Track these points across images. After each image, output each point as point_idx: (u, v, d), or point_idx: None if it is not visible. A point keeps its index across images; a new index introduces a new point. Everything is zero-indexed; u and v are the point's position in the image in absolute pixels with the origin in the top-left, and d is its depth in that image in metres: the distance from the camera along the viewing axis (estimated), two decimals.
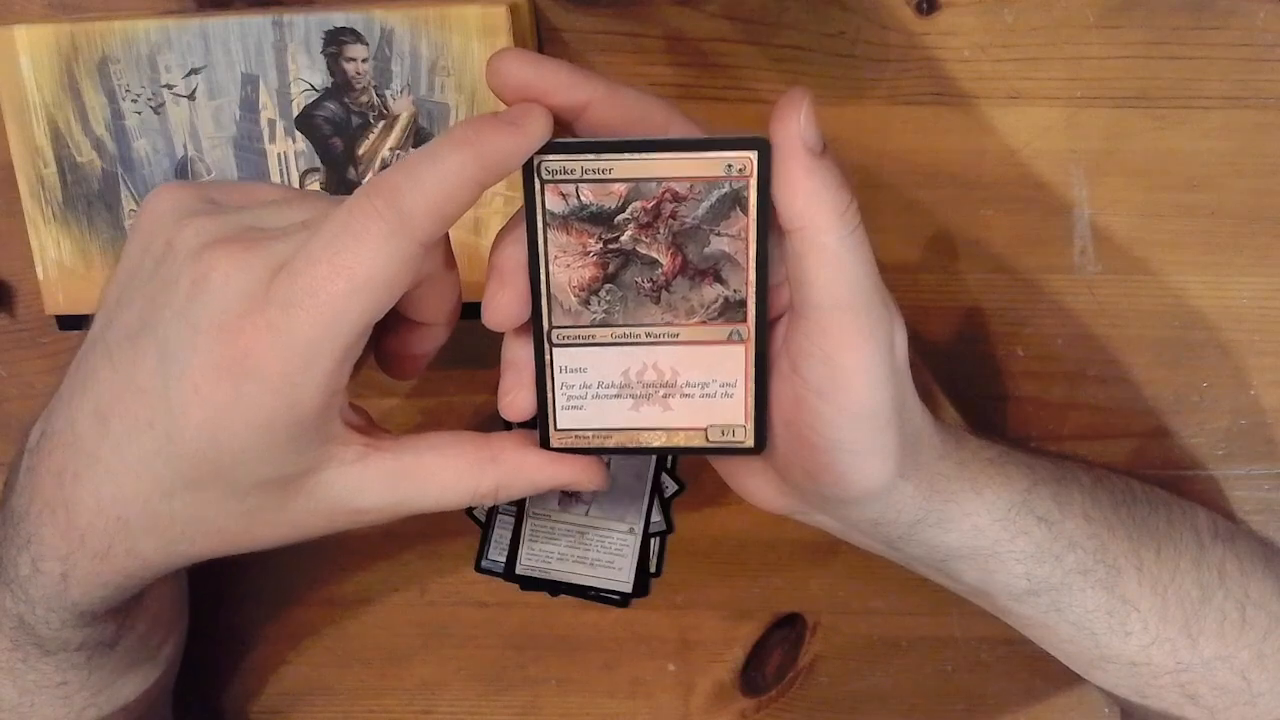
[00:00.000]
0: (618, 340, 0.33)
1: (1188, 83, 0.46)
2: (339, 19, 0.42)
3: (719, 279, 0.32)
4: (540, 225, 0.32)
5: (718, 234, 0.32)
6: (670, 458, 0.51)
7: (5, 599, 0.38)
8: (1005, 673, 0.53)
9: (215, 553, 0.36)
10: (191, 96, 0.44)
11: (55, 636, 0.38)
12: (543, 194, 0.32)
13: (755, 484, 0.39)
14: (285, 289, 0.31)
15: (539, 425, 0.35)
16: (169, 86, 0.44)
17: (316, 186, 0.44)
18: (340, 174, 0.44)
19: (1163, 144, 0.46)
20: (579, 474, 0.36)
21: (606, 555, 0.52)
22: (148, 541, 0.35)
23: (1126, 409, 0.49)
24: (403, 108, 0.43)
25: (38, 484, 0.35)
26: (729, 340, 0.33)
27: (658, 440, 0.34)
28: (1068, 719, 0.53)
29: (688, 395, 0.34)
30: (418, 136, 0.44)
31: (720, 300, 0.33)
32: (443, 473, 0.35)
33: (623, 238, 0.32)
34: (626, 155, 0.31)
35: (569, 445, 0.35)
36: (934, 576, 0.42)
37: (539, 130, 0.32)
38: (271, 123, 0.44)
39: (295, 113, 0.44)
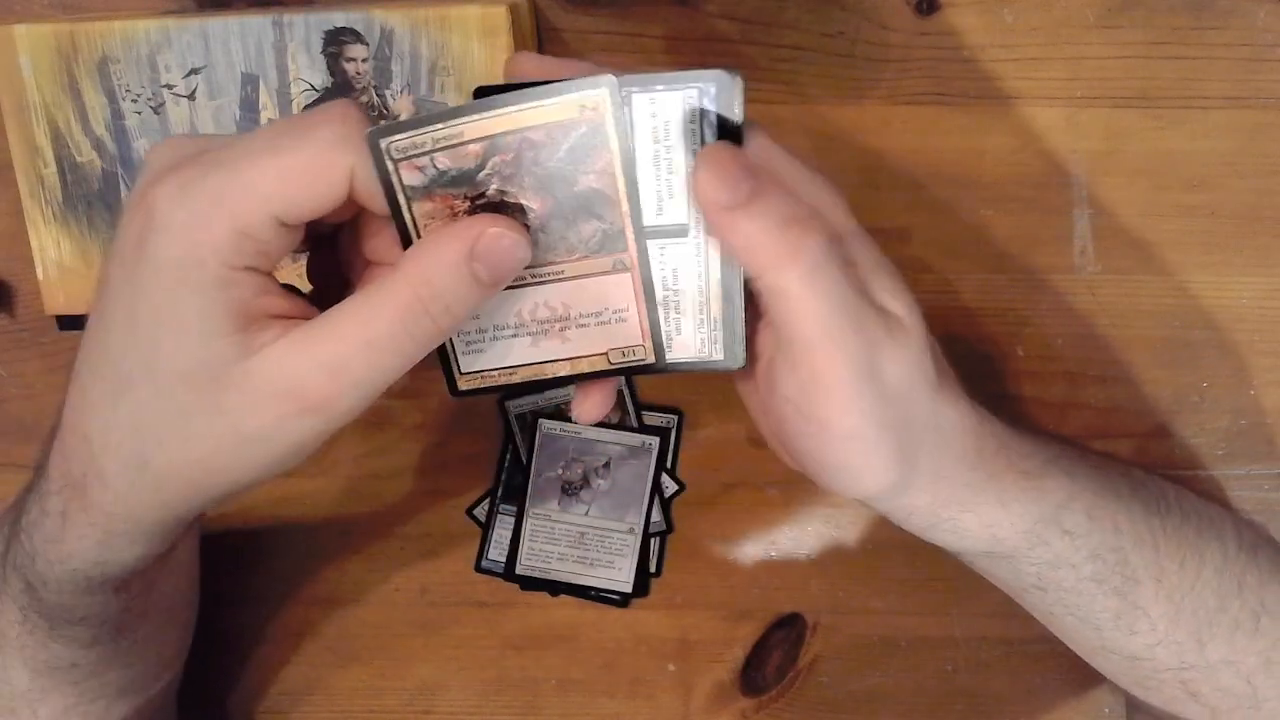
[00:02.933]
0: (515, 283, 0.34)
1: (1188, 83, 0.46)
2: (339, 19, 0.42)
3: (594, 214, 0.33)
4: (403, 201, 0.32)
5: (584, 173, 0.32)
6: (670, 458, 0.51)
7: (16, 554, 0.38)
8: (1005, 673, 0.53)
9: (193, 491, 0.33)
10: (191, 96, 0.44)
11: (57, 603, 0.38)
12: (398, 173, 0.32)
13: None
14: (210, 157, 0.30)
15: (445, 375, 0.35)
16: (169, 86, 0.44)
17: None
18: None
19: (1163, 144, 0.46)
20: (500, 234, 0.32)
21: (606, 555, 0.52)
22: (109, 464, 0.33)
23: (1126, 409, 0.49)
24: (403, 108, 0.43)
25: (58, 420, 0.35)
26: (614, 270, 0.34)
27: (563, 370, 0.35)
28: (1068, 719, 0.53)
29: (583, 325, 0.35)
30: None
31: (599, 234, 0.33)
32: (373, 326, 0.31)
33: (488, 192, 0.32)
34: (475, 116, 0.31)
35: (476, 386, 0.36)
36: None
37: None
38: (271, 123, 0.44)
39: (295, 113, 0.44)
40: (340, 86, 0.43)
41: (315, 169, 0.30)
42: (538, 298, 0.34)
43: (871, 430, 0.34)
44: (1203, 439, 0.50)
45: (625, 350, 0.35)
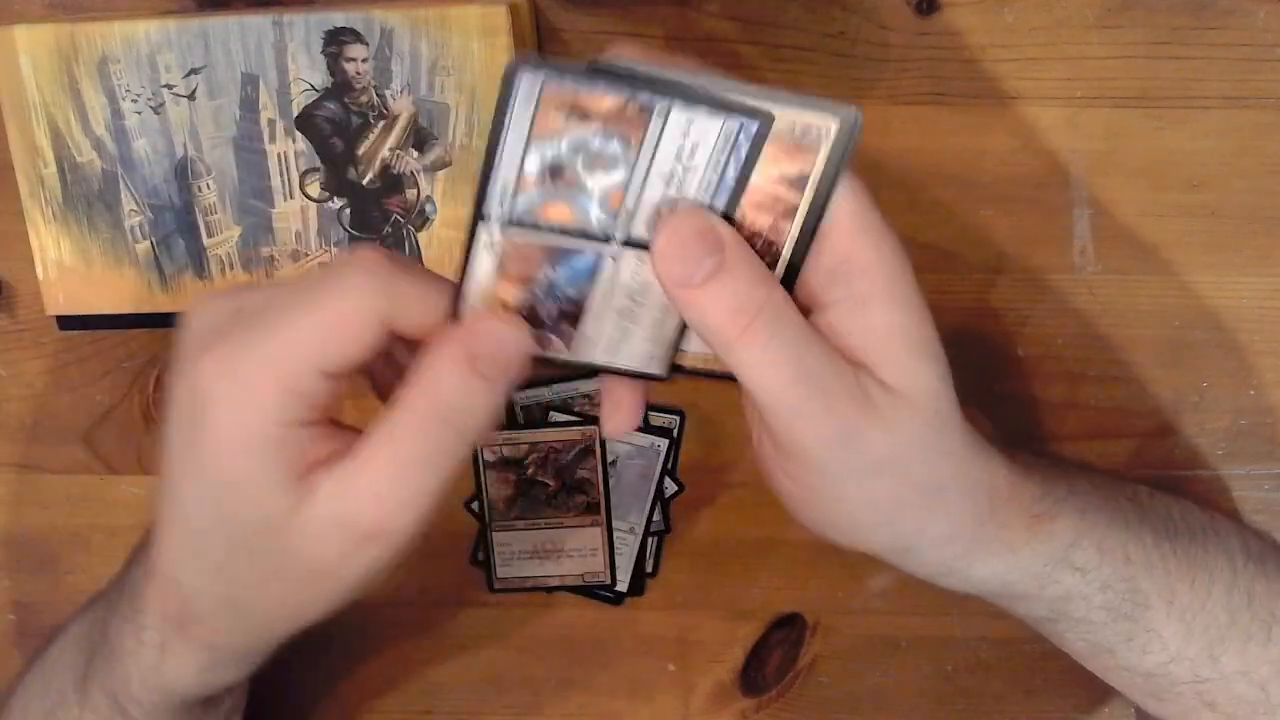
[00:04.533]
0: (528, 527, 0.51)
1: (1188, 83, 0.46)
2: (339, 19, 0.42)
3: (583, 491, 0.51)
4: (484, 478, 0.51)
5: (580, 468, 0.50)
6: (673, 458, 0.51)
7: (109, 675, 0.39)
8: (1005, 673, 0.53)
9: (283, 622, 0.35)
10: (191, 96, 0.44)
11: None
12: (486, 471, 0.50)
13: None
14: (254, 320, 0.31)
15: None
16: (169, 86, 0.44)
17: (316, 187, 0.44)
18: (340, 174, 0.44)
19: (1163, 144, 0.46)
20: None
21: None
22: (203, 605, 0.35)
23: (1126, 409, 0.49)
24: (403, 107, 0.43)
25: (147, 554, 0.37)
26: (591, 525, 0.51)
27: (553, 582, 0.52)
28: (1069, 719, 0.53)
29: (570, 556, 0.52)
30: (418, 136, 0.44)
31: (584, 503, 0.51)
32: (435, 430, 0.32)
33: (527, 473, 0.51)
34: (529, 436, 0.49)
35: (509, 588, 0.52)
36: None
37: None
38: (271, 123, 0.44)
39: (295, 113, 0.44)
40: (340, 86, 0.43)
41: (351, 320, 0.31)
42: (545, 536, 0.51)
43: (856, 496, 0.34)
44: (1203, 439, 0.50)
45: (590, 575, 0.52)
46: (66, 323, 0.47)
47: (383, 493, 0.31)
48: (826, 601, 0.52)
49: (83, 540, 0.54)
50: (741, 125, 0.30)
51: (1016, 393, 0.50)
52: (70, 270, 0.46)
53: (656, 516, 0.52)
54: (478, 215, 0.31)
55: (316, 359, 0.31)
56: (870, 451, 0.33)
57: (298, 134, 0.44)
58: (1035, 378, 0.49)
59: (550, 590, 0.53)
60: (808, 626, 0.53)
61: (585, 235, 0.31)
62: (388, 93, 0.43)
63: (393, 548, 0.32)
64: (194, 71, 0.43)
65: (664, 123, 0.30)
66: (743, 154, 0.30)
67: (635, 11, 0.45)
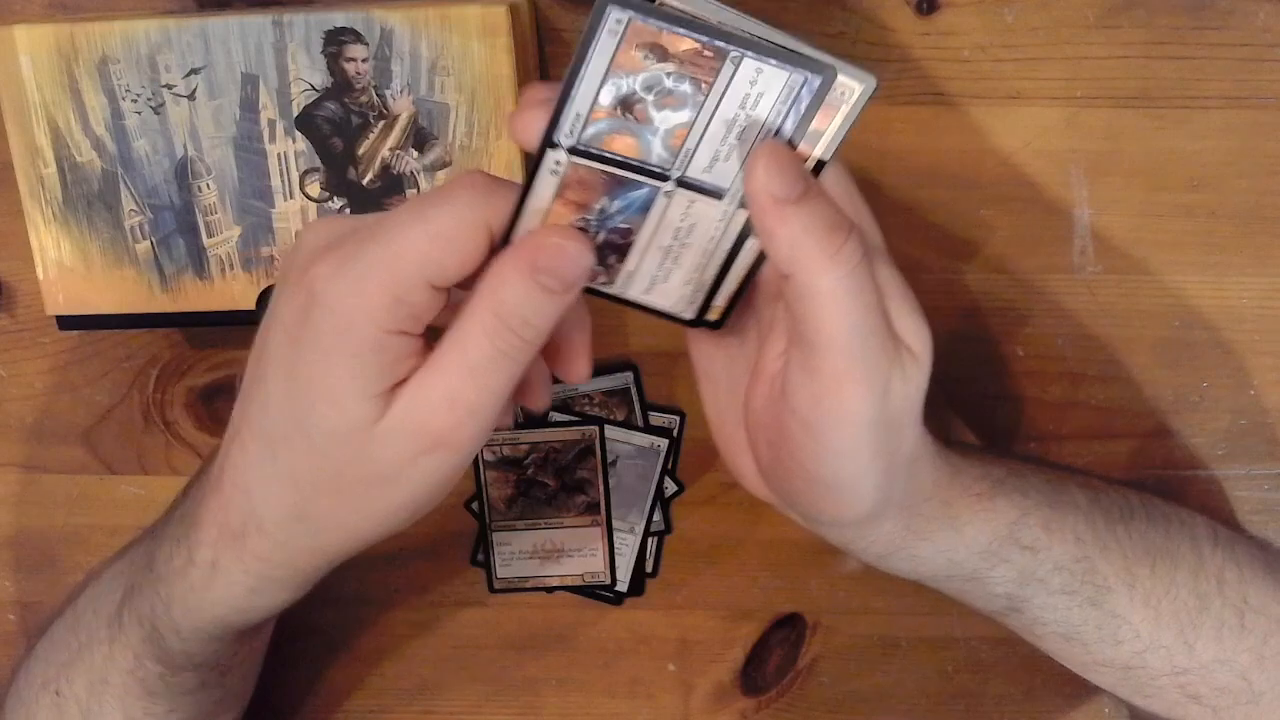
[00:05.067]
0: (529, 527, 0.52)
1: (1188, 83, 0.46)
2: (339, 19, 0.42)
3: (583, 491, 0.51)
4: (484, 478, 0.52)
5: (580, 469, 0.51)
6: (672, 458, 0.51)
7: (150, 600, 0.40)
8: (1005, 673, 0.53)
9: (347, 536, 0.36)
10: (191, 96, 0.44)
11: (181, 650, 0.40)
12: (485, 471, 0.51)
13: (748, 468, 0.39)
14: (363, 233, 0.32)
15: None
16: (169, 86, 0.44)
17: (316, 187, 0.44)
18: (340, 174, 0.44)
19: (1163, 144, 0.46)
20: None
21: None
22: (268, 514, 0.35)
23: (1126, 409, 0.49)
24: (403, 107, 0.43)
25: (209, 471, 0.38)
26: (591, 525, 0.52)
27: (553, 582, 0.53)
28: (1068, 719, 0.53)
29: (570, 556, 0.52)
30: (418, 136, 0.44)
31: (584, 503, 0.51)
32: (490, 350, 0.33)
33: (527, 473, 0.51)
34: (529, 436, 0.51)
35: (509, 588, 0.53)
36: None
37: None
38: (271, 123, 0.44)
39: (295, 113, 0.44)
40: (340, 86, 0.43)
41: (459, 231, 0.32)
42: (546, 536, 0.52)
43: (867, 450, 0.34)
44: (1203, 439, 0.50)
45: (590, 575, 0.52)
46: (66, 323, 0.46)
47: (453, 398, 0.32)
48: (826, 601, 0.52)
49: (83, 540, 0.54)
50: (806, 79, 0.31)
51: (1016, 393, 0.50)
52: (70, 270, 0.46)
53: (656, 516, 0.52)
54: (548, 140, 0.32)
55: (426, 268, 0.31)
56: (892, 402, 0.34)
57: (298, 134, 0.44)
58: (1035, 378, 0.49)
59: (550, 590, 0.53)
60: (808, 626, 0.53)
61: (644, 170, 0.33)
62: (388, 93, 0.43)
63: (461, 457, 0.33)
64: (194, 71, 0.43)
65: (735, 70, 0.31)
66: (803, 106, 0.32)
67: None
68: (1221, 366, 0.49)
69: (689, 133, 0.32)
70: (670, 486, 0.51)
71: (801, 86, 0.31)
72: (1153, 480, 0.50)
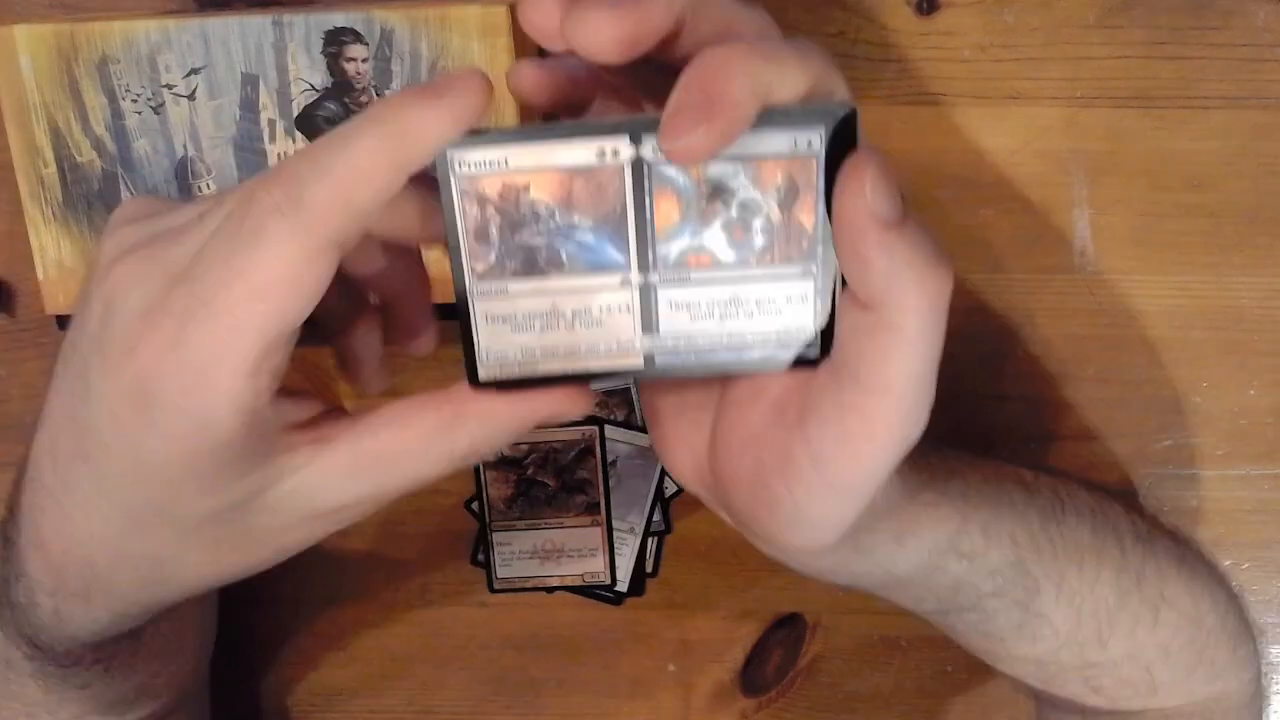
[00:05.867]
0: (529, 527, 0.52)
1: (1188, 83, 0.46)
2: (339, 19, 0.42)
3: (583, 491, 0.52)
4: (484, 478, 0.52)
5: (580, 469, 0.51)
6: None
7: (16, 621, 0.37)
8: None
9: (204, 587, 0.33)
10: (191, 96, 0.44)
11: (67, 654, 0.38)
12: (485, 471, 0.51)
13: (681, 456, 0.34)
14: (181, 300, 0.27)
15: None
16: (169, 86, 0.44)
17: None
18: None
19: (1163, 144, 0.46)
20: (557, 403, 0.31)
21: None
22: (121, 581, 0.33)
23: (1126, 409, 0.49)
24: None
25: (23, 518, 0.34)
26: (591, 525, 0.52)
27: (553, 582, 0.53)
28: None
29: (570, 556, 0.52)
30: None
31: (584, 503, 0.52)
32: (408, 448, 0.30)
33: (527, 473, 0.51)
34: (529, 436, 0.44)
35: (509, 588, 0.53)
36: None
37: (472, 102, 0.27)
38: (271, 123, 0.44)
39: (295, 113, 0.44)
40: (340, 86, 0.43)
41: (287, 270, 0.27)
42: (548, 536, 0.53)
43: (868, 497, 0.31)
44: (1203, 439, 0.50)
45: (590, 574, 0.53)
46: (66, 323, 0.46)
47: (380, 492, 0.31)
48: (826, 601, 0.52)
49: None
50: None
51: (1016, 393, 0.50)
52: (70, 270, 0.46)
53: (656, 516, 0.52)
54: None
55: (274, 325, 0.27)
56: (905, 450, 0.31)
57: (298, 134, 0.44)
58: (1035, 378, 0.49)
59: (550, 590, 0.53)
60: (808, 626, 0.53)
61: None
62: (388, 93, 0.43)
63: (342, 525, 0.32)
64: (194, 71, 0.43)
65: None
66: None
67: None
68: (1221, 366, 0.49)
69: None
70: (670, 486, 0.51)
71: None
72: (1152, 480, 0.50)
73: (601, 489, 0.51)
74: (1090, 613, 0.41)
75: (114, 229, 0.31)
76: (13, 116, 0.44)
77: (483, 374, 0.31)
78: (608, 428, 0.51)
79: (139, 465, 0.29)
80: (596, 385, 0.32)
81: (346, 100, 0.43)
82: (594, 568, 0.52)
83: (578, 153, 0.29)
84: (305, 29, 0.43)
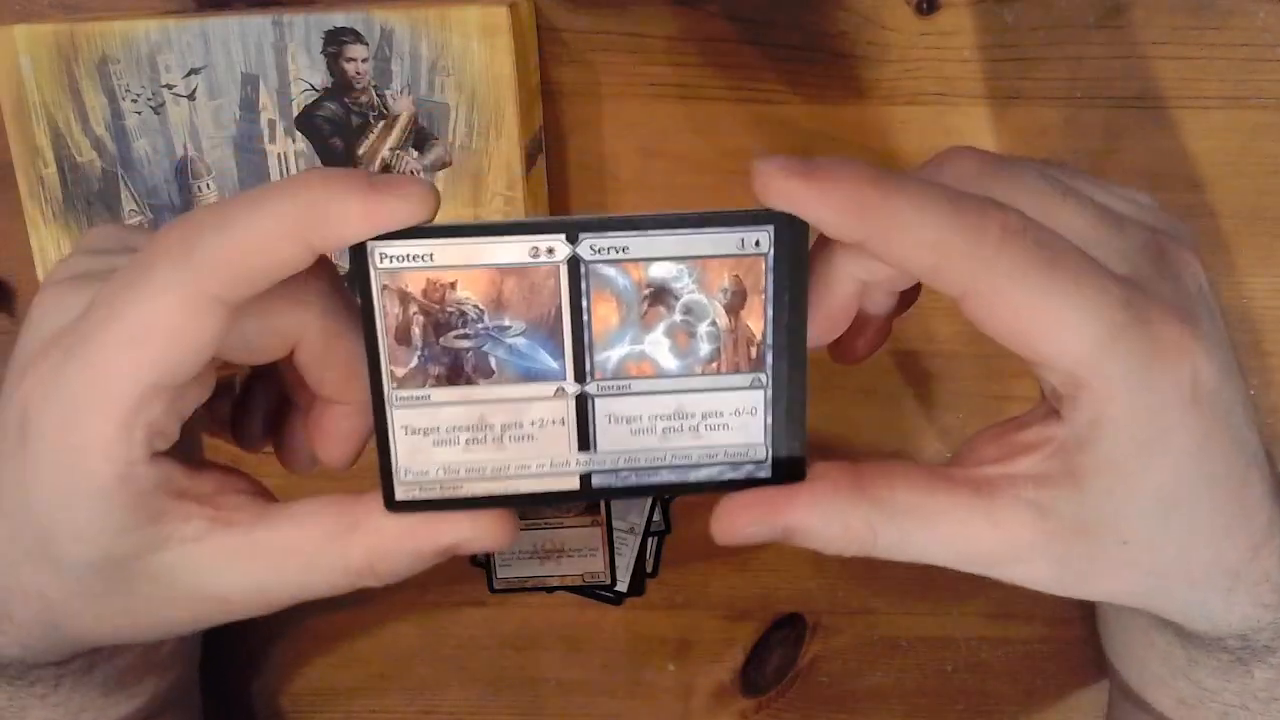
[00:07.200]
0: (529, 526, 0.50)
1: (1188, 83, 0.46)
2: (339, 19, 0.42)
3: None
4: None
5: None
6: None
7: None
8: (1005, 673, 0.53)
9: (99, 642, 0.32)
10: (191, 96, 0.44)
11: (15, 670, 0.36)
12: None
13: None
14: (70, 334, 0.27)
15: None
16: (169, 86, 0.44)
17: None
18: None
19: (1163, 144, 0.46)
20: (470, 530, 0.29)
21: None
22: (18, 614, 0.31)
23: None
24: (403, 108, 0.43)
25: None
26: (591, 525, 0.51)
27: (553, 582, 0.52)
28: (1068, 719, 0.53)
29: (570, 556, 0.51)
30: (418, 136, 0.44)
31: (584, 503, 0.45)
32: (299, 549, 0.28)
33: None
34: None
35: (509, 588, 0.47)
36: None
37: (407, 213, 0.26)
38: (271, 123, 0.44)
39: (295, 113, 0.44)
40: (340, 86, 0.43)
41: (169, 325, 0.26)
42: None
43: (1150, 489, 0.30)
44: None
45: (591, 574, 0.51)
46: None
47: (275, 591, 0.29)
48: (826, 601, 0.52)
49: None
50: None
51: (1016, 393, 0.50)
52: None
53: (656, 516, 0.52)
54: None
55: (149, 376, 0.26)
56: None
57: (298, 134, 0.44)
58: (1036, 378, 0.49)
59: (550, 590, 0.53)
60: (808, 626, 0.53)
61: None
62: (388, 93, 0.43)
63: (231, 617, 0.30)
64: (194, 71, 0.43)
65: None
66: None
67: (635, 11, 0.45)
68: None
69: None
70: None
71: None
72: None
73: None
74: None
75: (73, 253, 0.31)
76: (13, 116, 0.44)
77: (400, 493, 0.29)
78: None
79: (23, 492, 0.28)
80: (526, 509, 0.31)
81: (346, 100, 0.43)
82: (594, 567, 0.52)
83: (510, 250, 0.27)
84: (305, 29, 0.43)
